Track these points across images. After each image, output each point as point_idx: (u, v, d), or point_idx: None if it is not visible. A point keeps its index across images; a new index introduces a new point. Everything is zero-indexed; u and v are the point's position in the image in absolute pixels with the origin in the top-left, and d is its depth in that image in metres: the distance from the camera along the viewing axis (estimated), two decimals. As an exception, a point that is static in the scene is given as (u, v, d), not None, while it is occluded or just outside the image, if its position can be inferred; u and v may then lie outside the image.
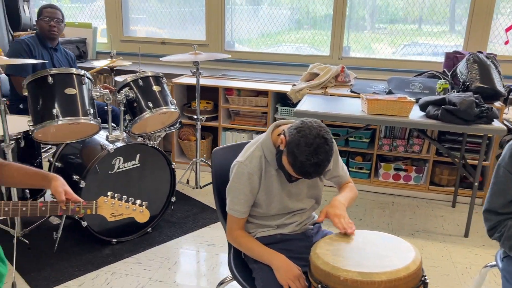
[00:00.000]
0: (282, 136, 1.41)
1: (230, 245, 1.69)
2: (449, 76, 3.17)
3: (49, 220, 2.74)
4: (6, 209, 1.40)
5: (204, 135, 3.81)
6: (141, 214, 1.57)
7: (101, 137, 2.60)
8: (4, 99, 2.19)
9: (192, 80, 3.63)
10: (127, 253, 2.47)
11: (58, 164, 2.59)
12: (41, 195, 2.68)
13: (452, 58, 3.37)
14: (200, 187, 3.26)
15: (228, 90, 3.60)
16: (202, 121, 3.19)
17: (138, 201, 1.57)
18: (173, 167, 2.71)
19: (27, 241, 2.46)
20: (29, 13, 4.54)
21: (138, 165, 2.57)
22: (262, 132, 3.61)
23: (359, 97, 2.93)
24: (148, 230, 2.68)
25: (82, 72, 2.42)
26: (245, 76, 3.87)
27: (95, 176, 2.39)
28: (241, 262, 1.64)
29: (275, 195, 1.53)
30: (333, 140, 1.38)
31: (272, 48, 4.18)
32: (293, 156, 1.33)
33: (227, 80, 3.72)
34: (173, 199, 2.75)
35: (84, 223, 2.39)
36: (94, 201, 1.51)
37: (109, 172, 2.46)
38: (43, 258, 2.38)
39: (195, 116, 3.16)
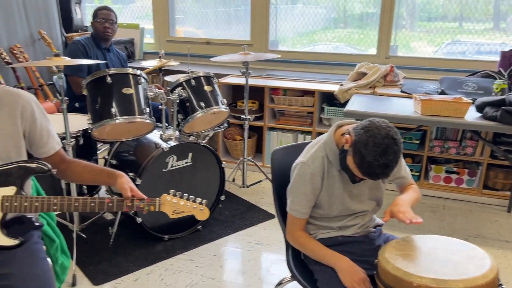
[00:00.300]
0: (347, 135, 1.39)
1: (287, 246, 1.69)
2: (506, 76, 3.04)
3: (103, 216, 2.82)
4: (77, 204, 1.46)
5: (249, 134, 3.83)
6: (201, 212, 1.60)
7: (154, 135, 2.66)
8: (66, 98, 2.27)
9: (237, 80, 3.66)
10: (179, 249, 2.52)
11: (113, 162, 2.67)
12: (97, 191, 2.78)
13: (508, 57, 3.23)
14: (247, 186, 3.28)
15: (274, 90, 3.60)
16: (250, 120, 3.20)
17: (198, 199, 1.60)
18: (222, 166, 2.73)
19: (84, 236, 2.55)
20: (80, 14, 4.71)
21: (190, 163, 2.61)
22: (307, 132, 3.59)
23: (410, 97, 2.86)
24: (198, 227, 2.72)
25: (139, 72, 2.48)
26: (290, 75, 3.86)
27: (150, 173, 2.45)
28: (300, 263, 1.64)
29: (336, 196, 1.52)
30: (401, 141, 1.35)
31: (308, 47, 4.16)
32: (360, 156, 1.32)
33: (273, 80, 3.72)
34: (223, 197, 2.78)
35: (139, 219, 2.45)
36: (158, 199, 1.55)
37: (163, 170, 2.51)
38: (100, 252, 2.46)
39: (242, 116, 3.18)
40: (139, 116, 2.41)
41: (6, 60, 3.55)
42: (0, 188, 1.39)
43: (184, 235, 2.66)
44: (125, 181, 1.51)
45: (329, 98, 3.53)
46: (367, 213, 1.59)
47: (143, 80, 2.49)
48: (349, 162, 1.39)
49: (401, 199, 1.49)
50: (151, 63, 3.45)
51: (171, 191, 1.58)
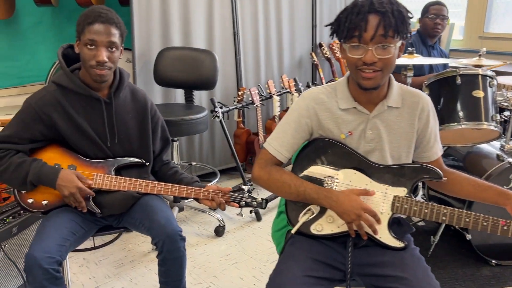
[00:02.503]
0: None
1: None
2: None
3: (417, 223, 2.71)
4: (467, 219, 1.33)
5: None
6: None
7: (491, 146, 2.36)
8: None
9: None
10: (511, 280, 2.18)
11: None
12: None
13: None
14: None
15: None
16: None
17: None
18: None
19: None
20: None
21: (538, 184, 2.20)
22: None
23: None
24: (533, 260, 2.29)
25: (490, 73, 2.22)
26: None
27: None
28: None
29: None
30: None
31: None
32: None
33: None
34: None
35: (469, 236, 2.21)
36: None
37: (504, 186, 2.19)
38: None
39: None
40: (485, 123, 2.16)
41: (326, 55, 3.84)
42: (392, 188, 1.39)
43: (515, 264, 2.29)
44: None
45: None
46: None
47: (495, 82, 2.21)
48: None
49: None
50: (466, 62, 3.12)
51: None
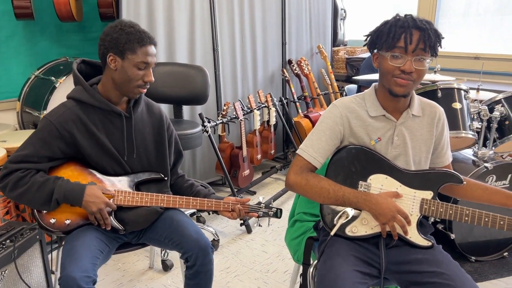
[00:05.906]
0: None
1: None
2: None
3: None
4: (487, 219, 1.48)
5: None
6: None
7: (465, 152, 2.61)
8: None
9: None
10: (491, 274, 2.40)
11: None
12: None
13: None
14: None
15: None
16: None
17: None
18: (539, 192, 2.51)
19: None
20: (343, 30, 5.02)
21: (508, 185, 2.47)
22: None
23: None
24: (504, 254, 2.55)
25: (465, 87, 2.47)
26: None
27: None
28: None
29: None
30: None
31: None
32: None
33: None
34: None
35: (452, 236, 2.42)
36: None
37: (481, 188, 2.43)
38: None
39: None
40: (464, 131, 2.40)
41: (296, 71, 4.00)
42: (420, 191, 1.52)
43: (491, 259, 2.53)
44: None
45: None
46: None
47: (469, 95, 2.47)
48: None
49: None
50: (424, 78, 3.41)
51: None
